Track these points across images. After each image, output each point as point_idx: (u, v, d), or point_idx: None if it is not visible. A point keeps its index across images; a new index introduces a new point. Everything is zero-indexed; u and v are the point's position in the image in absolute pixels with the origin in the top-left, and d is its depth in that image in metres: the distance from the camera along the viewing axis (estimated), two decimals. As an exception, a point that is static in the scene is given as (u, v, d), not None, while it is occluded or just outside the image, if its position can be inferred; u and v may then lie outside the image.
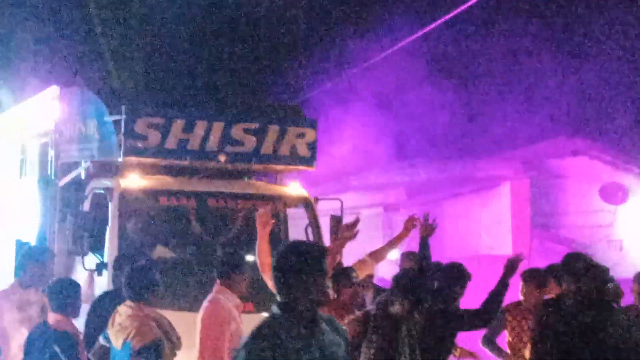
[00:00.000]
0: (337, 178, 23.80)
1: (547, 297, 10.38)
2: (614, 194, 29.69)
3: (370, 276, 11.33)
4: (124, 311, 8.37)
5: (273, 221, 10.27)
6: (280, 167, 13.63)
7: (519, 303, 10.69)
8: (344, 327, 6.10)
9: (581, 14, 30.00)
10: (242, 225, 12.99)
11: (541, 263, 13.14)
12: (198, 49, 29.08)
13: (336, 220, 13.20)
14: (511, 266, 9.79)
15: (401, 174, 27.65)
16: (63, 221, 13.00)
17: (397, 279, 9.31)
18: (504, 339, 11.06)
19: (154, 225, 12.84)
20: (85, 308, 9.82)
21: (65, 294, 8.89)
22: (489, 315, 9.69)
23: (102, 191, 12.56)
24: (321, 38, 28.93)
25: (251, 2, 28.83)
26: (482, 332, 11.03)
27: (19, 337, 9.31)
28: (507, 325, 10.73)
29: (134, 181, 12.58)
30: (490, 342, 10.84)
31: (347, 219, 13.24)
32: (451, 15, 21.95)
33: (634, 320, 8.04)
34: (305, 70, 26.33)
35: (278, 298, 5.60)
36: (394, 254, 14.11)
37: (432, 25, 22.92)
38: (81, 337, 9.22)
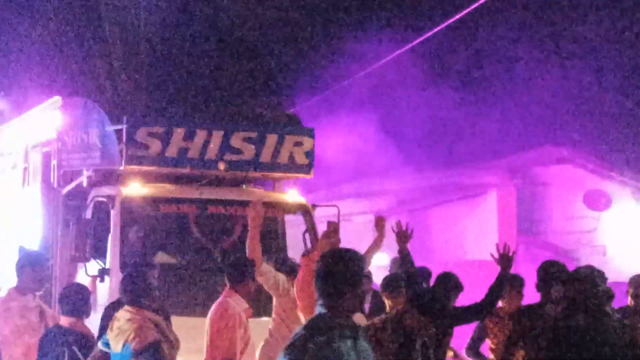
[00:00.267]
0: (330, 186, 23.72)
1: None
2: (597, 201, 29.66)
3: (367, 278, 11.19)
4: (122, 316, 8.24)
5: (262, 216, 10.44)
6: (278, 174, 13.51)
7: (498, 309, 10.50)
8: None
9: (567, 27, 29.96)
10: (242, 232, 12.74)
11: (527, 268, 13.06)
12: (197, 60, 28.98)
13: (333, 226, 13.01)
14: (506, 259, 9.57)
15: (391, 182, 27.59)
16: (66, 228, 12.99)
17: (411, 295, 9.19)
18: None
19: (155, 231, 12.82)
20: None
21: (77, 297, 8.78)
22: (486, 308, 9.55)
23: (104, 199, 12.48)
24: (314, 50, 28.86)
25: (248, 16, 28.77)
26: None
27: (20, 344, 9.15)
28: (488, 333, 10.56)
29: (136, 189, 12.50)
30: (474, 350, 10.68)
31: (343, 225, 13.27)
32: (441, 27, 21.89)
33: (627, 322, 7.81)
34: (299, 82, 26.22)
35: (321, 301, 5.57)
36: (384, 260, 14.02)
37: (420, 39, 22.85)
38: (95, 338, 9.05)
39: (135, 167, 12.62)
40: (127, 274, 8.74)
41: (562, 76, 29.17)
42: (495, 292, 9.47)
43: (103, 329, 9.21)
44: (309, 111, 23.50)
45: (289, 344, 5.43)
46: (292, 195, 13.39)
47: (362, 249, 12.62)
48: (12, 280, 9.84)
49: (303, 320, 9.45)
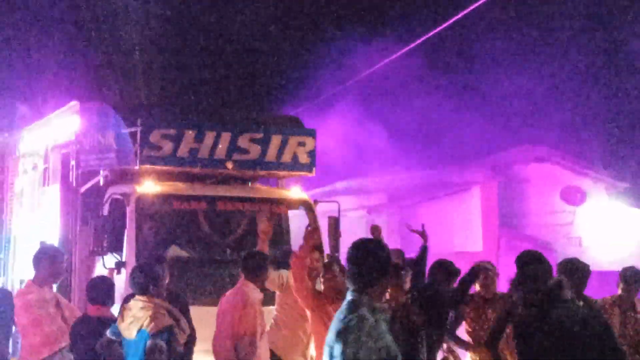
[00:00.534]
0: (325, 184, 23.63)
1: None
2: (573, 196, 29.62)
3: None
4: (134, 305, 8.16)
5: (271, 231, 10.53)
6: (282, 173, 13.44)
7: (474, 295, 10.39)
8: None
9: (545, 33, 29.90)
10: (249, 226, 12.73)
11: (508, 259, 12.99)
12: (207, 67, 28.93)
13: (334, 220, 13.12)
14: (474, 274, 9.63)
15: (382, 180, 27.53)
16: (84, 224, 12.92)
17: (414, 294, 9.09)
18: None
19: (167, 227, 12.68)
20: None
21: (103, 288, 8.75)
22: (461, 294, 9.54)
23: (120, 197, 12.40)
24: (310, 54, 28.83)
25: (253, 29, 28.81)
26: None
27: (38, 333, 9.05)
28: (465, 317, 10.45)
29: (149, 187, 12.41)
30: (452, 335, 10.54)
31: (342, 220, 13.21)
32: (433, 33, 21.80)
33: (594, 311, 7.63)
34: (297, 85, 26.16)
35: (354, 287, 5.57)
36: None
37: (412, 45, 22.75)
38: None
39: (149, 167, 12.54)
40: (135, 267, 8.72)
41: (540, 79, 29.13)
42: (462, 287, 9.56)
43: None
44: (306, 113, 23.47)
45: (343, 328, 5.36)
46: (295, 192, 13.30)
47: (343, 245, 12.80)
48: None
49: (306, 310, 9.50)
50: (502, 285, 10.43)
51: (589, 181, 29.90)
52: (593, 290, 9.91)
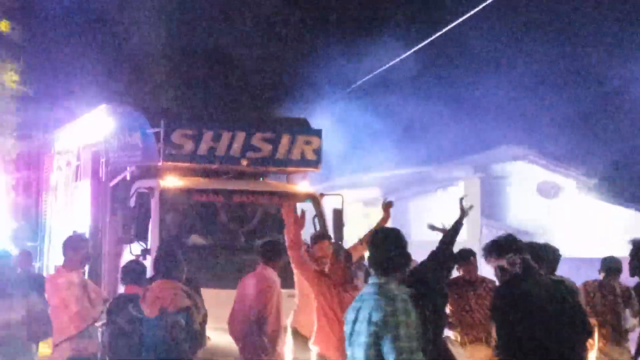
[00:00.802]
0: (326, 179, 23.50)
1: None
2: (547, 191, 29.58)
3: (362, 258, 10.88)
4: (157, 286, 8.15)
5: (295, 214, 9.93)
6: (291, 169, 13.29)
7: (458, 278, 10.23)
8: None
9: (521, 41, 29.80)
10: (261, 217, 12.65)
11: None
12: (223, 73, 28.85)
13: (338, 212, 12.97)
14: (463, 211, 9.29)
15: (377, 175, 27.44)
16: (113, 215, 12.82)
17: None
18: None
19: (188, 217, 12.52)
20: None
21: (135, 271, 8.70)
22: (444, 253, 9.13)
23: (145, 190, 12.30)
24: (313, 60, 28.77)
25: (268, 41, 28.82)
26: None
27: (67, 312, 8.92)
28: (449, 299, 10.25)
29: (172, 182, 12.27)
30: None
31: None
32: (425, 43, 21.68)
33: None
34: (302, 89, 26.04)
35: (376, 271, 5.46)
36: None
37: (402, 56, 22.64)
38: None
39: (171, 163, 12.39)
40: (160, 253, 8.71)
41: (517, 85, 29.00)
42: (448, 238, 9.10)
43: None
44: (308, 113, 23.44)
45: (390, 311, 5.22)
46: (303, 186, 13.17)
47: (351, 232, 12.65)
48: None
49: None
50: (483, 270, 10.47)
51: (562, 177, 29.87)
52: (563, 274, 9.81)
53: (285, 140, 12.78)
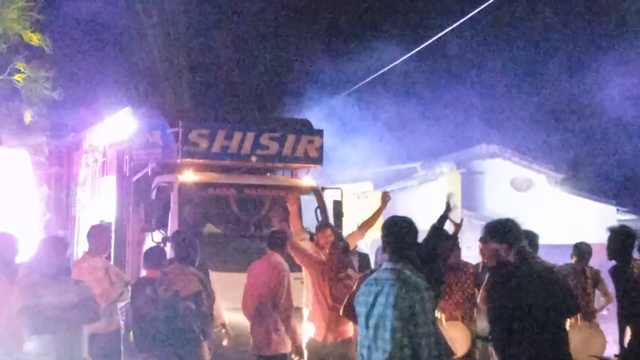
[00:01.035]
0: (325, 174, 23.40)
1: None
2: (520, 185, 29.52)
3: (355, 245, 10.77)
4: (172, 270, 8.00)
5: (297, 203, 10.51)
6: (296, 165, 13.18)
7: None
8: None
9: (502, 50, 29.70)
10: (269, 208, 12.44)
11: (469, 235, 12.88)
12: (236, 79, 28.80)
13: (338, 203, 12.93)
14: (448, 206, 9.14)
15: (369, 170, 27.34)
16: (136, 207, 12.70)
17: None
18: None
19: (204, 208, 12.37)
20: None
21: (158, 256, 8.58)
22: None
23: (165, 184, 12.24)
24: (310, 65, 28.73)
25: (273, 50, 28.79)
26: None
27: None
28: None
29: (189, 177, 12.17)
30: None
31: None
32: (410, 54, 21.61)
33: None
34: (304, 91, 25.98)
35: (384, 254, 5.33)
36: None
37: (395, 63, 22.55)
38: None
39: (188, 160, 12.29)
40: (178, 241, 8.49)
41: (492, 88, 28.96)
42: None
43: None
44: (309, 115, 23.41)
45: (404, 284, 5.11)
46: (306, 180, 13.08)
47: (345, 222, 12.67)
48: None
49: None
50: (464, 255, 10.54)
51: (533, 173, 29.86)
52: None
53: (290, 139, 12.67)
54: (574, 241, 10.76)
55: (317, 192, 12.82)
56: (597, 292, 10.61)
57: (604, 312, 10.84)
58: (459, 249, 10.12)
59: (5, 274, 7.15)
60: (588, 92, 26.37)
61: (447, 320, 9.80)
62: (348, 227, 11.87)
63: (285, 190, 12.34)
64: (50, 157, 18.52)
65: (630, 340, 7.49)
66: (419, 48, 20.27)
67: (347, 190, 25.19)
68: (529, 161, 29.84)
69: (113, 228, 12.89)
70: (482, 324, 10.81)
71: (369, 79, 23.23)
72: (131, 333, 8.68)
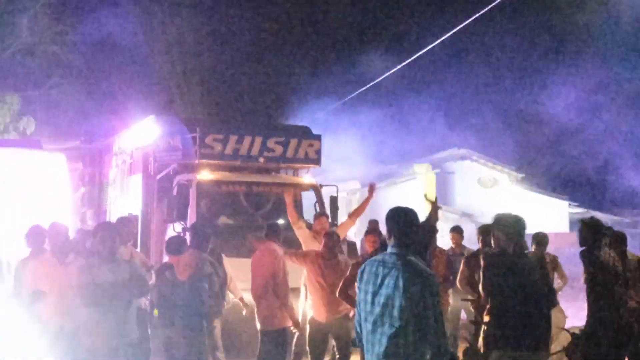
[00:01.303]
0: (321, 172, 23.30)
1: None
2: (486, 183, 29.42)
3: (345, 234, 10.80)
4: (187, 256, 8.05)
5: (294, 194, 10.67)
6: (297, 165, 13.01)
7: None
8: None
9: (472, 65, 29.60)
10: (274, 202, 12.39)
11: (442, 226, 12.73)
12: (245, 90, 28.75)
13: (333, 198, 12.77)
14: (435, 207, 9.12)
15: (355, 170, 27.23)
16: (159, 202, 12.58)
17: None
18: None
19: (218, 203, 12.23)
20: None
21: (179, 244, 8.35)
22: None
23: (185, 182, 12.06)
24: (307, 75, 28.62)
25: (277, 66, 28.71)
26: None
27: None
28: None
29: (205, 175, 12.03)
30: None
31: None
32: (398, 67, 21.51)
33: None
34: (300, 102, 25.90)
35: (390, 240, 5.09)
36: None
37: (384, 76, 22.46)
38: None
39: (204, 161, 12.15)
40: (194, 230, 8.62)
41: (461, 98, 28.87)
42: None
43: None
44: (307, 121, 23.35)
45: (413, 270, 4.94)
46: (307, 178, 12.91)
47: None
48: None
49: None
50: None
51: (497, 172, 29.80)
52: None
53: (293, 143, 12.53)
54: (532, 231, 10.70)
55: (316, 189, 12.67)
56: (555, 275, 10.67)
57: (560, 292, 10.82)
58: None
59: (57, 257, 7.21)
60: (544, 104, 26.31)
61: None
62: (341, 218, 12.02)
63: (288, 186, 12.27)
64: (85, 159, 18.39)
65: (594, 313, 7.43)
66: (403, 65, 20.24)
67: (333, 189, 25.20)
68: (494, 162, 29.82)
69: (139, 220, 12.76)
70: (456, 303, 10.79)
71: (357, 92, 23.18)
72: (155, 310, 8.57)
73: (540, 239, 10.30)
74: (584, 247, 7.58)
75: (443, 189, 27.71)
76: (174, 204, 11.78)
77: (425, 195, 10.09)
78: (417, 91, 27.49)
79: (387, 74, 21.70)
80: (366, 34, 29.72)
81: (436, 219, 8.72)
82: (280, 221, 11.31)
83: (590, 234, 7.47)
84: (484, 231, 8.79)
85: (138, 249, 11.42)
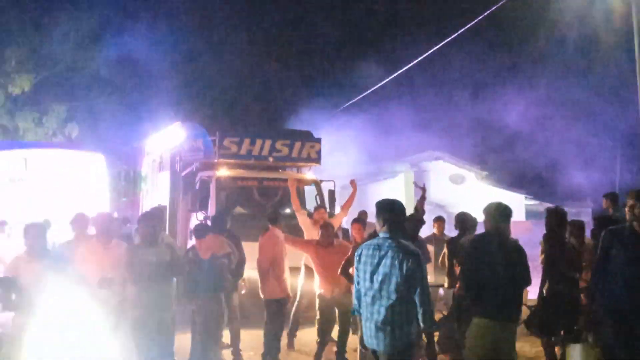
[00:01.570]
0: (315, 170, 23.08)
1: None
2: (456, 180, 29.22)
3: (340, 222, 10.60)
4: (209, 239, 7.93)
5: (296, 184, 10.47)
6: (301, 164, 12.83)
7: None
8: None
9: (442, 79, 29.36)
10: (282, 195, 12.18)
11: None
12: (256, 99, 28.58)
13: (331, 192, 12.67)
14: (423, 193, 9.09)
15: (344, 168, 27.03)
16: (185, 195, 12.42)
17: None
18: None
19: (234, 195, 12.04)
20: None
21: (202, 230, 8.18)
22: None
23: (206, 178, 11.92)
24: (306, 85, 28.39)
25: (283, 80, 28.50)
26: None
27: None
28: None
29: (224, 172, 11.89)
30: None
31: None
32: (386, 81, 21.30)
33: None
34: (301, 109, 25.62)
35: (383, 227, 5.07)
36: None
37: (377, 86, 22.26)
38: None
39: (222, 160, 12.00)
40: (214, 218, 8.64)
41: (436, 108, 28.67)
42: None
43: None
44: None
45: (414, 253, 4.92)
46: (309, 175, 12.76)
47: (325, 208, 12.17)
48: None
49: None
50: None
51: (465, 171, 29.62)
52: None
53: (297, 145, 12.41)
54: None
55: (317, 184, 12.52)
56: None
57: None
58: None
59: (101, 242, 7.04)
60: (504, 113, 26.15)
61: None
62: (337, 208, 12.07)
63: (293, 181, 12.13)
64: (121, 158, 18.25)
65: (546, 291, 7.29)
66: (391, 78, 20.08)
67: (331, 184, 24.98)
68: (462, 163, 29.66)
69: (167, 210, 12.59)
70: (438, 280, 10.58)
71: (348, 104, 23.02)
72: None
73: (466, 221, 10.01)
74: (547, 232, 7.39)
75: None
76: (196, 196, 11.63)
77: (416, 183, 9.84)
78: (399, 103, 27.34)
79: (373, 88, 21.60)
80: (354, 51, 29.52)
81: (423, 212, 8.62)
82: (287, 210, 11.43)
83: (557, 220, 7.29)
84: (460, 219, 8.55)
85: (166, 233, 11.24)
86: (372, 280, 5.01)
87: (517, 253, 5.70)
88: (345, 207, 10.34)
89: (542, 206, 25.30)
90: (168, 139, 13.76)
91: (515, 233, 7.52)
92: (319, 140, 12.71)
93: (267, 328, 8.48)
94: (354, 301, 5.24)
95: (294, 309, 9.58)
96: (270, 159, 12.22)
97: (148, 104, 24.40)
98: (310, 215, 10.24)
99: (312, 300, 8.98)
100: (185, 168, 12.53)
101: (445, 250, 9.15)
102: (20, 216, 13.85)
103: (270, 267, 8.49)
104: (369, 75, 23.15)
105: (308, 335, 9.59)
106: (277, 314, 8.52)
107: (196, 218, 11.31)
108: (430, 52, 19.69)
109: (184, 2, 28.70)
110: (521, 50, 29.24)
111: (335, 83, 27.16)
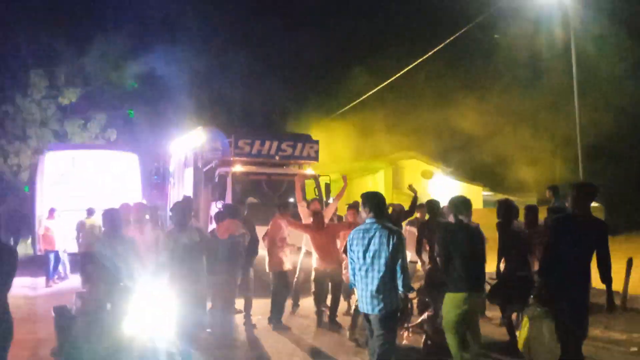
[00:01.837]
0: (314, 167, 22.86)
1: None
2: (426, 175, 29.00)
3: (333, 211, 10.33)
4: (226, 222, 7.91)
5: (303, 181, 10.37)
6: (302, 161, 12.63)
7: None
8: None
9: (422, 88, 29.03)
10: (287, 188, 12.05)
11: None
12: (265, 106, 28.29)
13: (327, 185, 12.54)
14: (414, 196, 9.08)
15: (338, 165, 26.83)
16: (205, 187, 12.25)
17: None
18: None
19: (247, 188, 11.85)
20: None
21: (221, 216, 8.22)
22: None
23: (224, 173, 11.72)
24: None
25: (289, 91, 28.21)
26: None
27: None
28: None
29: (238, 168, 11.72)
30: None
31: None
32: (378, 88, 21.07)
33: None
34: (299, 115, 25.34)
35: (369, 214, 5.16)
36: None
37: (369, 93, 22.00)
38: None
39: (237, 158, 11.79)
40: (230, 205, 8.56)
41: (409, 114, 28.40)
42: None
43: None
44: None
45: (398, 234, 5.02)
46: (309, 171, 12.55)
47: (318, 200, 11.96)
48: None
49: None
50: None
51: (434, 167, 29.43)
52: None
53: (299, 145, 12.23)
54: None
55: (316, 178, 12.39)
56: None
57: None
58: None
59: (138, 228, 7.08)
60: (464, 117, 25.99)
61: None
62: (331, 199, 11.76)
63: (296, 176, 11.95)
64: (152, 158, 18.01)
65: (504, 269, 7.23)
66: (383, 85, 19.99)
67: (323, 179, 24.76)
68: (431, 160, 29.44)
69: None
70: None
71: (350, 105, 22.80)
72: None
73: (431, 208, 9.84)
74: (499, 220, 7.28)
75: (396, 180, 27.38)
76: (215, 188, 11.47)
77: (410, 186, 9.72)
78: (382, 110, 27.16)
79: (362, 98, 21.43)
80: (343, 67, 29.24)
81: (415, 207, 8.90)
82: (291, 199, 11.24)
83: (505, 210, 7.21)
84: (429, 206, 8.41)
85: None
86: (364, 257, 5.11)
87: (478, 236, 5.70)
88: (337, 198, 10.24)
89: (496, 197, 25.24)
90: (191, 140, 13.54)
91: (475, 219, 7.40)
92: (317, 142, 12.55)
93: (273, 296, 8.52)
94: (350, 277, 5.31)
95: (294, 281, 9.58)
96: (277, 157, 12.05)
97: (174, 112, 24.14)
98: (308, 205, 10.14)
99: (309, 274, 8.98)
100: (206, 165, 12.35)
101: (417, 231, 9.01)
102: (68, 205, 13.67)
103: (275, 246, 8.52)
104: (358, 88, 23.04)
105: (307, 305, 9.54)
106: (281, 284, 8.55)
107: (215, 206, 11.16)
108: (405, 70, 19.63)
109: (201, 29, 28.27)
110: (477, 68, 29.13)
111: (328, 94, 26.91)
